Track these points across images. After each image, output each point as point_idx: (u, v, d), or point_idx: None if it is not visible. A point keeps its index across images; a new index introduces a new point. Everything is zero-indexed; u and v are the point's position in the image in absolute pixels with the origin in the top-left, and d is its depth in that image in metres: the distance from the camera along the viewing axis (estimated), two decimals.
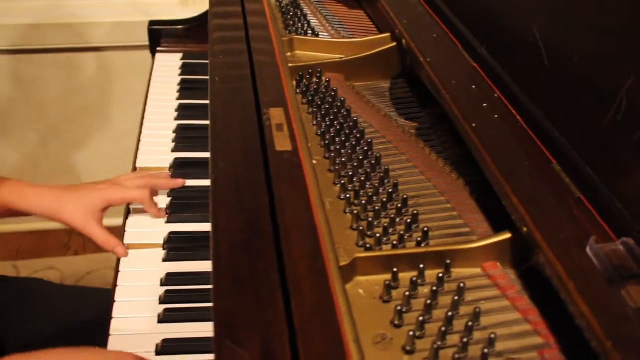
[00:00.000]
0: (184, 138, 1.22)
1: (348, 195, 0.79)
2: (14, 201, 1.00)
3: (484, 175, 0.78)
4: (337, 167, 0.85)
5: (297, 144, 0.78)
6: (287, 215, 0.66)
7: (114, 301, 0.91)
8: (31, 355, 0.75)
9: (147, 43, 1.65)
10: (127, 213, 1.06)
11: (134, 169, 1.16)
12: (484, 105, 0.86)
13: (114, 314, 0.89)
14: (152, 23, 1.58)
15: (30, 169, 2.21)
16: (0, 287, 1.13)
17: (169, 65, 1.50)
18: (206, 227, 1.03)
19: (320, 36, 1.24)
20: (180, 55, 1.55)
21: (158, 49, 1.58)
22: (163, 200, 1.07)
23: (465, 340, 0.62)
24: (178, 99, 1.36)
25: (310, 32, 1.26)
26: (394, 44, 1.14)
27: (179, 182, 1.08)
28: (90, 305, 1.14)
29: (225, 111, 0.85)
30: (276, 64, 0.96)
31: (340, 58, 1.11)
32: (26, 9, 1.92)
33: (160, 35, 1.58)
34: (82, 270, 2.23)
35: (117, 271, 0.96)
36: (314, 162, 0.84)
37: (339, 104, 0.98)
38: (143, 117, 1.31)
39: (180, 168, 1.13)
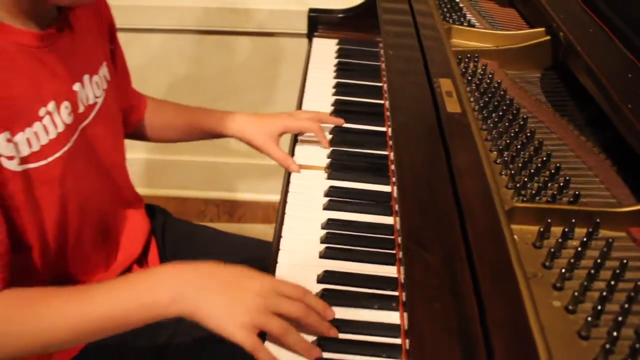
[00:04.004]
0: (342, 111, 1.35)
1: (506, 159, 0.88)
2: (212, 124, 1.23)
3: (633, 156, 0.84)
4: (494, 136, 0.95)
5: (466, 108, 0.88)
6: (460, 162, 0.76)
7: (281, 236, 1.04)
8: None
9: (298, 31, 1.80)
10: (287, 182, 1.20)
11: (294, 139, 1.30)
12: None
13: (281, 246, 1.02)
14: (312, 10, 1.73)
15: None
16: (173, 228, 1.30)
17: (325, 49, 1.64)
18: (359, 186, 1.15)
19: (475, 27, 1.33)
20: (335, 40, 1.69)
21: (315, 34, 1.73)
22: (323, 161, 1.20)
23: (612, 283, 0.70)
24: (335, 77, 1.49)
25: (465, 23, 1.35)
26: (548, 37, 1.21)
27: (340, 120, 1.25)
28: (250, 250, 1.29)
29: (400, 77, 0.96)
30: (442, 43, 1.07)
31: (497, 47, 1.20)
32: None
33: (318, 21, 1.73)
34: None
35: (283, 213, 1.09)
36: None
37: (495, 85, 1.07)
38: (303, 92, 1.45)
39: (339, 135, 1.25)
